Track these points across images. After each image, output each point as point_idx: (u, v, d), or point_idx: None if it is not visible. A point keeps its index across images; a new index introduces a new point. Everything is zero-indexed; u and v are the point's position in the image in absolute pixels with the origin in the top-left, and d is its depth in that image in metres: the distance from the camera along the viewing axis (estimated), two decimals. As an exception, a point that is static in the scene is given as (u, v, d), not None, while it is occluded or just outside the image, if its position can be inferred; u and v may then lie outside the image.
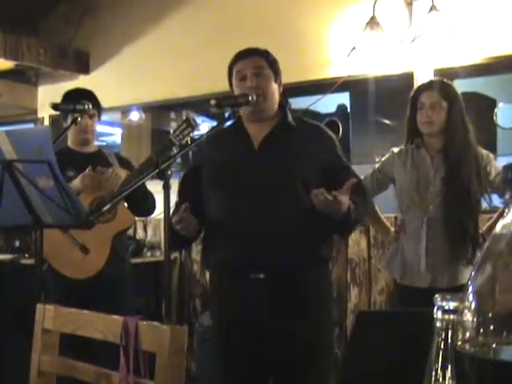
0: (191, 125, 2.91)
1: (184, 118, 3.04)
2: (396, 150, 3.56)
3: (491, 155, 3.46)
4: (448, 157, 3.37)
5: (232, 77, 2.91)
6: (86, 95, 3.76)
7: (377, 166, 3.67)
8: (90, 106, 3.46)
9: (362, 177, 3.69)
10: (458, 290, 0.77)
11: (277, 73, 2.91)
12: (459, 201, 3.31)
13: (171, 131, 2.99)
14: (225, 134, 2.97)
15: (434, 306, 0.85)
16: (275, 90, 2.89)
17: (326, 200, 2.56)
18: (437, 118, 3.37)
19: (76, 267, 3.54)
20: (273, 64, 2.90)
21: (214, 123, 2.80)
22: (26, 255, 5.09)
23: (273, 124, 2.88)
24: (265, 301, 2.74)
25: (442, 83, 3.49)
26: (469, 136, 3.37)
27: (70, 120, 3.56)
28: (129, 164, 3.90)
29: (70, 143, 3.89)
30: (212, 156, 2.92)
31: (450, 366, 0.83)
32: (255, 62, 2.86)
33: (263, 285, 2.74)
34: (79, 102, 3.40)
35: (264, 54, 2.91)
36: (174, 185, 2.76)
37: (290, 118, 2.91)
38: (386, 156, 3.62)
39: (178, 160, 3.66)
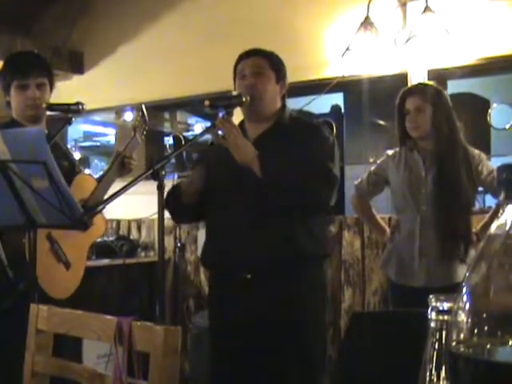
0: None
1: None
2: (390, 152, 3.61)
3: (483, 155, 3.48)
4: (437, 157, 3.39)
5: (236, 77, 2.90)
6: (32, 60, 3.29)
7: (372, 168, 3.70)
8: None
9: (359, 180, 3.72)
10: (453, 289, 0.77)
11: (280, 74, 2.89)
12: (449, 200, 3.34)
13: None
14: None
15: (428, 307, 0.85)
16: (275, 90, 2.88)
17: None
18: (422, 122, 3.41)
19: (58, 285, 3.09)
20: (276, 65, 2.89)
21: (208, 123, 2.79)
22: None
23: (269, 124, 2.88)
24: (253, 300, 2.74)
25: (424, 87, 3.53)
26: (456, 136, 3.40)
27: (12, 92, 3.17)
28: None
29: (16, 115, 3.23)
30: (214, 154, 2.93)
31: (444, 367, 0.83)
32: (256, 62, 2.86)
33: (251, 284, 2.74)
34: (74, 103, 3.20)
35: (267, 55, 2.90)
36: (168, 185, 2.75)
37: (286, 118, 2.89)
38: (381, 159, 3.67)
39: (173, 161, 3.63)
